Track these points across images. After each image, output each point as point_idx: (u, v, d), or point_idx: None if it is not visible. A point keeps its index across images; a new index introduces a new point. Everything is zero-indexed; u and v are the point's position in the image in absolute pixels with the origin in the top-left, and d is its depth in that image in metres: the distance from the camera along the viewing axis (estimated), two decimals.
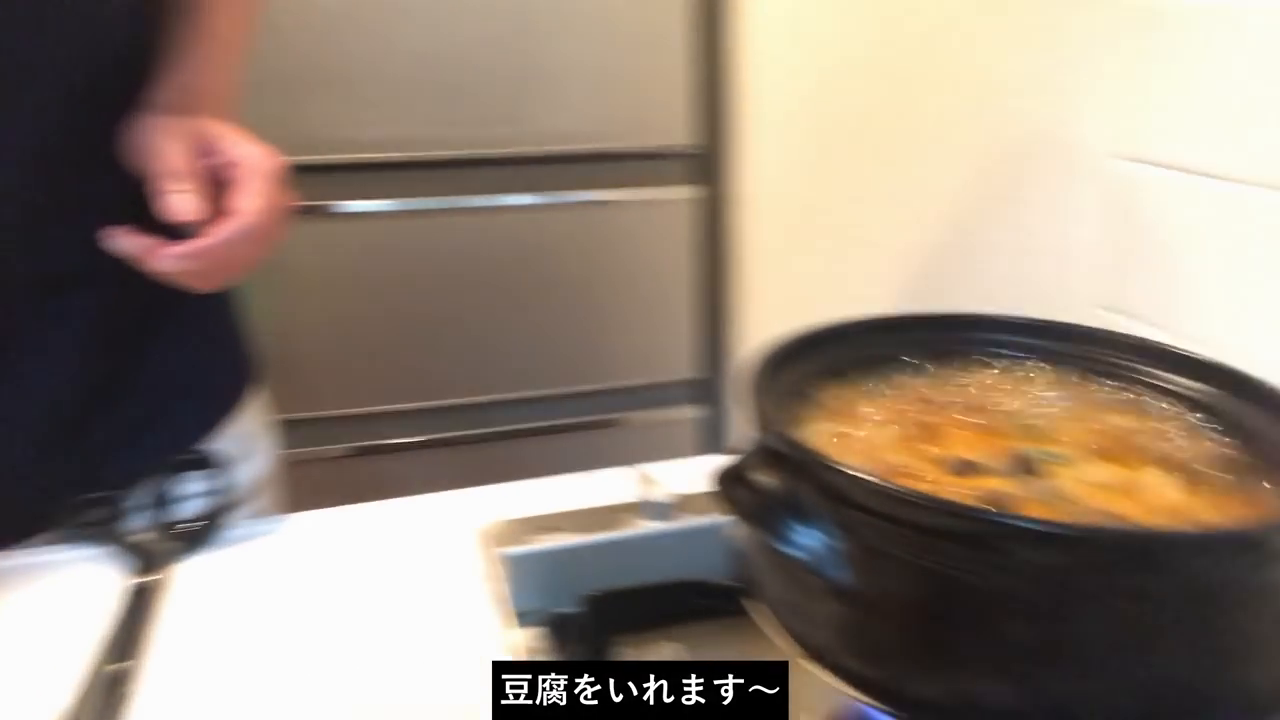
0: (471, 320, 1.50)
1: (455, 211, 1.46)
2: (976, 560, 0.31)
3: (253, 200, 0.54)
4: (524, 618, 0.52)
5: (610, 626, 0.47)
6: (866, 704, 0.40)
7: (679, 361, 1.61)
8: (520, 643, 0.50)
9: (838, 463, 0.35)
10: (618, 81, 1.49)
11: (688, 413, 1.63)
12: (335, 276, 1.42)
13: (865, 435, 0.44)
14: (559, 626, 0.51)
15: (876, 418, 0.45)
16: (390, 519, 0.65)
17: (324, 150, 1.35)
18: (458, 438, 1.53)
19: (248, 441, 0.71)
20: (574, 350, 1.56)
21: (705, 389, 1.64)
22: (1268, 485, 0.37)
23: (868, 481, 0.34)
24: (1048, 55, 0.92)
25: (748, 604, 0.40)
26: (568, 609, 0.51)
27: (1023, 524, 0.32)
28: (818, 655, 0.36)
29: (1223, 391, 0.41)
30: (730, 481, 0.37)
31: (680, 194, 1.56)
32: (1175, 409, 0.42)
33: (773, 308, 1.15)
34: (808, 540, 0.35)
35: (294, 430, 0.86)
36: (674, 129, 1.53)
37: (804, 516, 0.35)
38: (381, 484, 0.76)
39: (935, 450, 0.43)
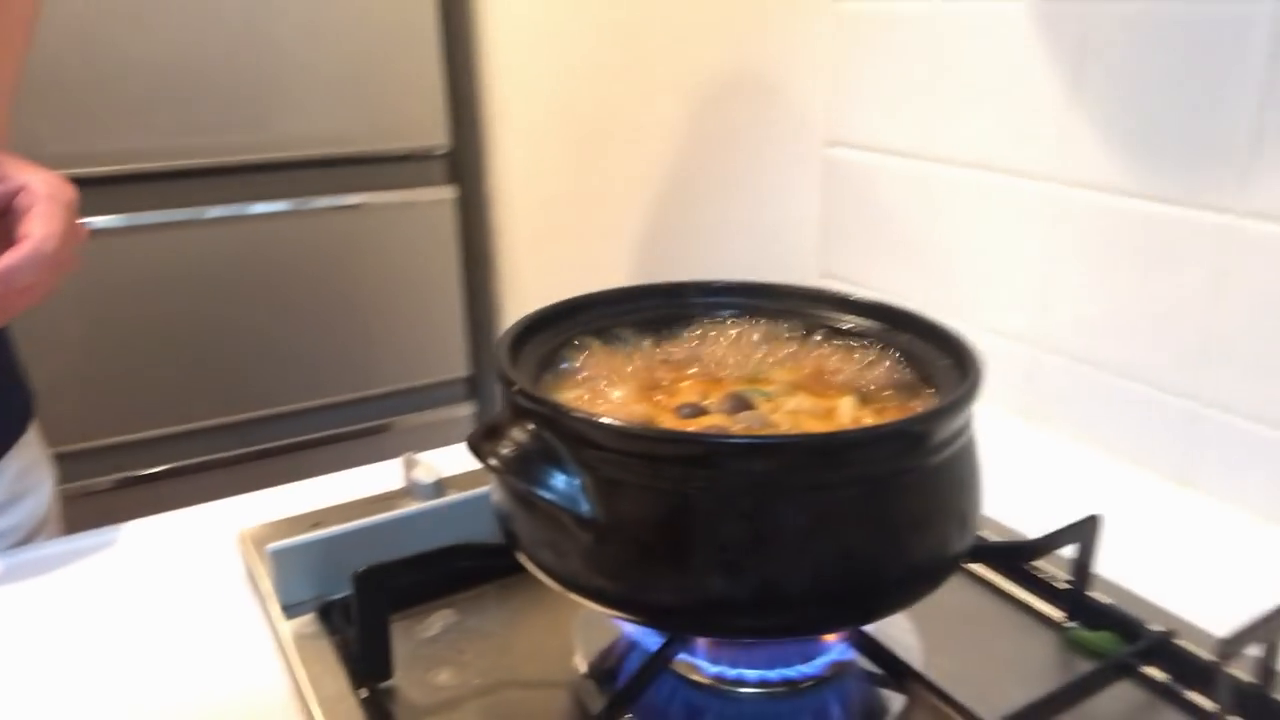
0: (232, 336, 1.44)
1: (203, 223, 1.39)
2: (696, 477, 0.36)
3: (45, 226, 0.52)
4: (297, 609, 0.53)
5: (382, 603, 0.48)
6: (617, 618, 0.45)
7: (452, 360, 1.61)
8: (289, 633, 0.51)
9: (580, 410, 0.40)
10: (367, 83, 1.47)
11: (464, 410, 1.64)
12: (81, 300, 1.32)
13: (608, 393, 0.48)
14: (326, 611, 0.52)
15: (617, 378, 0.50)
16: (151, 536, 0.63)
17: (56, 165, 1.25)
18: (231, 458, 1.46)
19: (25, 478, 0.66)
20: (344, 358, 1.53)
21: (478, 385, 1.66)
22: (927, 395, 0.45)
23: (606, 424, 0.38)
24: (772, 57, 1.02)
25: (517, 555, 0.43)
26: (343, 595, 0.52)
27: (730, 440, 0.38)
28: (572, 584, 0.40)
29: (892, 326, 0.49)
30: (484, 438, 0.40)
31: (439, 194, 1.56)
32: (858, 345, 0.50)
33: (534, 299, 1.19)
34: (557, 483, 0.39)
35: (60, 464, 0.81)
36: (429, 129, 1.53)
37: (552, 462, 0.39)
38: (158, 512, 0.74)
39: (669, 400, 0.48)
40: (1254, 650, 0.43)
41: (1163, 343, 0.67)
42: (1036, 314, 0.76)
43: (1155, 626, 0.48)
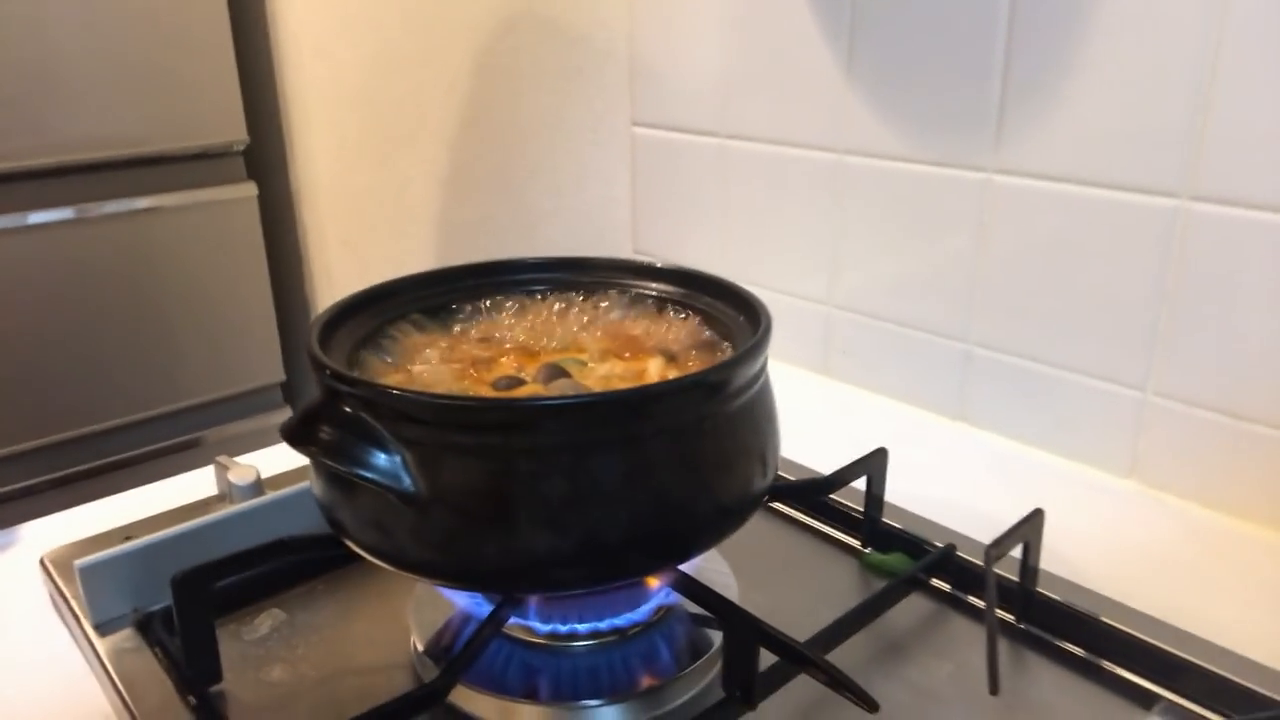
0: (21, 355, 1.32)
1: None
2: (514, 441, 0.38)
3: None
4: (113, 625, 0.51)
5: (205, 605, 0.46)
6: (449, 589, 0.46)
7: (265, 366, 1.55)
8: (106, 650, 0.49)
9: (395, 387, 0.40)
10: (154, 77, 1.38)
11: (280, 418, 1.58)
12: None
13: (426, 374, 0.49)
14: (146, 623, 0.50)
15: (434, 359, 0.51)
16: None
17: None
18: (31, 486, 1.35)
19: None
20: (147, 371, 1.44)
21: (293, 390, 1.61)
22: (725, 349, 0.48)
23: (424, 398, 0.39)
24: (574, 41, 1.04)
25: (343, 541, 0.43)
26: (164, 605, 0.50)
27: (543, 402, 0.40)
28: (401, 561, 0.41)
29: (693, 291, 0.52)
30: (300, 426, 0.40)
31: (239, 192, 1.50)
32: (664, 309, 0.53)
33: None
34: (378, 462, 0.39)
35: None
36: (225, 124, 1.46)
37: (371, 442, 0.39)
38: None
39: (487, 376, 0.50)
40: (1015, 553, 0.49)
41: (937, 293, 0.74)
42: (828, 276, 0.82)
43: (938, 543, 0.54)
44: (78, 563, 0.51)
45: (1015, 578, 0.50)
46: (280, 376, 1.56)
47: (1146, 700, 0.45)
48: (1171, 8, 0.58)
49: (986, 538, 0.51)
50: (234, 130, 1.44)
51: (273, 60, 1.50)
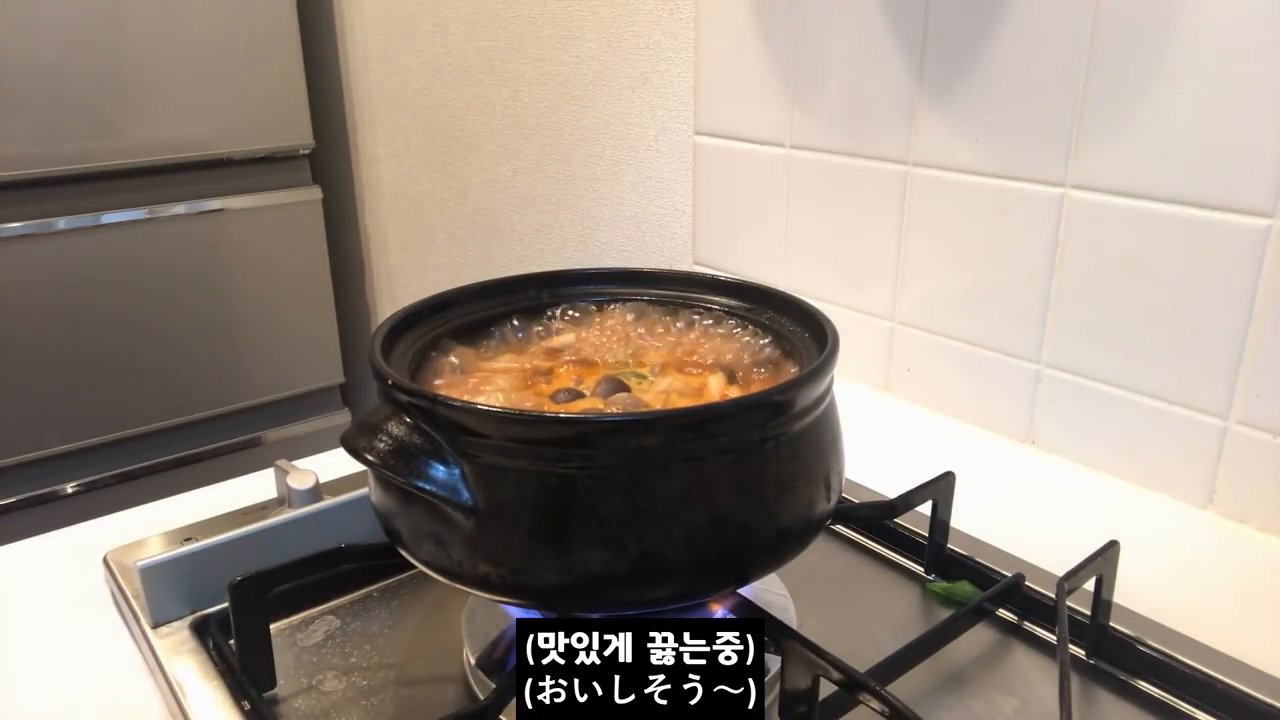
0: (88, 354, 1.37)
1: (51, 235, 1.32)
2: (573, 457, 0.37)
3: None
4: (171, 626, 0.51)
5: (261, 610, 0.47)
6: (504, 604, 0.46)
7: (324, 368, 1.57)
8: (164, 650, 0.49)
9: (456, 399, 0.40)
10: (225, 83, 1.42)
11: (338, 420, 1.60)
12: None
13: (485, 385, 0.49)
14: (202, 626, 0.51)
15: (494, 369, 0.51)
16: (11, 564, 0.60)
17: None
18: (93, 483, 1.39)
19: None
20: (209, 371, 1.47)
21: (352, 393, 1.63)
22: (790, 367, 0.47)
23: (483, 410, 0.39)
24: (639, 47, 1.03)
25: (399, 552, 0.43)
26: (220, 608, 0.51)
27: (602, 419, 0.39)
28: (457, 574, 0.41)
29: (757, 305, 0.51)
30: (360, 434, 0.40)
31: (305, 196, 1.52)
32: (726, 324, 0.52)
33: (408, 300, 1.18)
34: (437, 474, 0.39)
35: None
36: (292, 129, 1.49)
37: (431, 454, 0.39)
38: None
39: (545, 388, 0.49)
40: (1088, 585, 0.47)
41: (1007, 311, 0.72)
42: (892, 290, 0.80)
43: (1005, 572, 0.52)
44: (139, 563, 0.51)
45: (1087, 611, 0.48)
46: (339, 379, 1.58)
47: None
48: (1260, 17, 0.55)
49: (1055, 567, 0.49)
50: (300, 135, 1.47)
51: (339, 67, 1.52)
